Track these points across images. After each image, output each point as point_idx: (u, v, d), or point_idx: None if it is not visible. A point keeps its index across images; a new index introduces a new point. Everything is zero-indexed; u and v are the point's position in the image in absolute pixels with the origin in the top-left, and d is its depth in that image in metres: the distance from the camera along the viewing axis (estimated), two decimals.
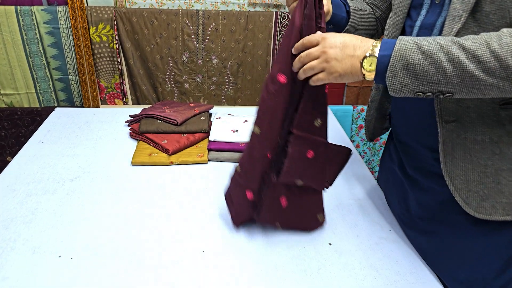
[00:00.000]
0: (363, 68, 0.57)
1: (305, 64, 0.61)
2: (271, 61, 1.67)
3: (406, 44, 0.54)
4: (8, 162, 1.68)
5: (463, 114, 0.61)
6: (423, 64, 0.53)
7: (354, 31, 0.83)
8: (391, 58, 0.54)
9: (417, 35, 0.67)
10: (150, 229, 0.79)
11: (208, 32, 1.59)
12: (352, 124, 1.81)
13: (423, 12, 0.66)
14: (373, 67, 0.56)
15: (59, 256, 0.71)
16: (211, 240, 0.77)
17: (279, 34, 1.63)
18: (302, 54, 0.62)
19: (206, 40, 1.61)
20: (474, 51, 0.51)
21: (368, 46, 0.57)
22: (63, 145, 1.07)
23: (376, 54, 0.56)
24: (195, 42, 1.61)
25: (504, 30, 0.51)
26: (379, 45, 0.57)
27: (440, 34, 0.62)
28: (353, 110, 1.79)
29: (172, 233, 0.78)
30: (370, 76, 0.57)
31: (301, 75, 0.63)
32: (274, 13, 1.59)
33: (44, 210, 0.83)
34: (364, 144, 1.89)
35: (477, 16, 0.56)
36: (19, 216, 0.81)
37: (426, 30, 0.66)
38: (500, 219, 0.61)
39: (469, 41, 0.52)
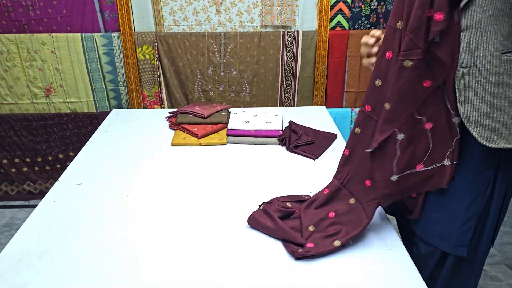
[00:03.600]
0: None
1: None
2: (280, 72, 2.02)
3: None
4: (71, 156, 2.10)
5: (475, 62, 0.73)
6: None
7: None
8: None
9: None
10: (185, 184, 1.14)
11: (229, 50, 1.97)
12: (351, 124, 2.11)
13: None
14: None
15: (127, 196, 1.07)
16: (229, 189, 1.10)
17: (286, 49, 1.99)
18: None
19: (227, 56, 1.99)
20: None
21: None
22: (122, 133, 1.45)
23: None
24: (218, 58, 1.99)
25: None
26: None
27: None
28: (352, 112, 2.09)
29: (200, 186, 1.12)
30: None
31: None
32: (282, 32, 1.96)
33: (114, 171, 1.19)
34: None
35: None
36: (97, 173, 1.18)
37: None
38: (504, 146, 0.75)
39: None
